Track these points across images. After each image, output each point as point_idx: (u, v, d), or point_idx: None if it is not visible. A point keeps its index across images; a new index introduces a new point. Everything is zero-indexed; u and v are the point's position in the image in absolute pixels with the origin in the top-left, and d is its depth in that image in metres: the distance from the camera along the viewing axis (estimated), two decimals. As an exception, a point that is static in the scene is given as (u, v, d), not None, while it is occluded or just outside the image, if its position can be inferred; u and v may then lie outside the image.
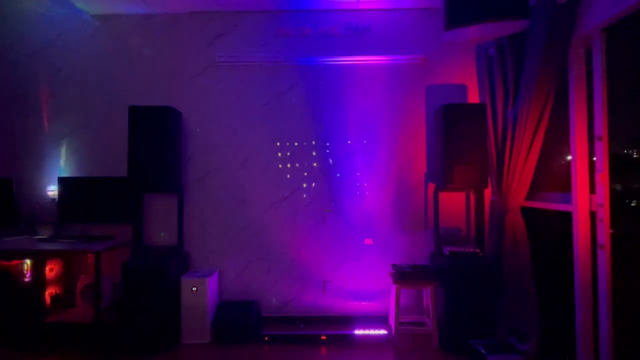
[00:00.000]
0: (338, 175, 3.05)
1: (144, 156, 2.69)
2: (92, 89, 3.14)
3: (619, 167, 1.99)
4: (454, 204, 2.99)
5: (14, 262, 2.79)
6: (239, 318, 2.74)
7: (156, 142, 2.70)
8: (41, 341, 2.66)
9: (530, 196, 2.55)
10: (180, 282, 2.71)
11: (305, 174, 3.08)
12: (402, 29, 3.07)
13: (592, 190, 2.10)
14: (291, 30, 3.11)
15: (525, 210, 2.57)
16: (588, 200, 2.13)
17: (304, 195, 3.07)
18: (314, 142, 3.07)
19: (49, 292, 2.91)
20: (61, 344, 2.63)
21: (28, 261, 2.84)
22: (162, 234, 2.98)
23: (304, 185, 3.07)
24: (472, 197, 2.87)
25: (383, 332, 2.76)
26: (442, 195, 2.92)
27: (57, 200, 2.96)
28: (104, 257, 2.63)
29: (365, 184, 3.04)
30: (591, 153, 2.13)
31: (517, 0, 2.02)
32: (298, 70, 3.09)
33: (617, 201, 1.97)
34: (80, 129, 3.14)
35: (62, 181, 2.95)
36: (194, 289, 2.69)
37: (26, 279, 2.84)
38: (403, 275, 2.64)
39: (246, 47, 3.11)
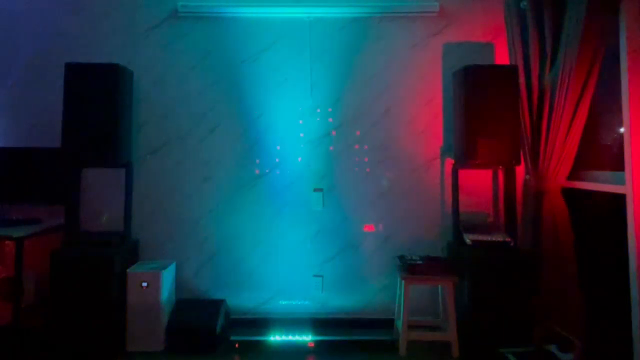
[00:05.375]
0: (331, 148, 2.70)
1: (83, 123, 2.37)
2: (20, 40, 2.71)
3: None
4: (478, 184, 2.71)
5: None
6: (201, 320, 2.42)
7: (99, 106, 2.39)
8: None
9: (573, 175, 2.36)
10: (127, 275, 2.39)
11: (291, 146, 2.71)
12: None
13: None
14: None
15: (567, 192, 2.36)
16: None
17: (287, 172, 2.71)
18: (300, 109, 2.71)
19: (-45, 288, 2.48)
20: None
21: None
22: (105, 218, 2.60)
23: (289, 159, 2.71)
24: (501, 176, 2.64)
25: (387, 338, 2.49)
26: (463, 173, 2.64)
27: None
28: (27, 246, 2.30)
29: (366, 159, 2.70)
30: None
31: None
32: (281, 23, 2.72)
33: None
34: (3, 88, 2.70)
35: (-22, 153, 2.53)
36: (144, 284, 2.38)
37: None
38: (413, 268, 2.38)
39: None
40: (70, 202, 2.47)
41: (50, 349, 2.27)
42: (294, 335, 2.47)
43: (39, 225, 2.46)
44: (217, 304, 2.53)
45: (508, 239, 2.40)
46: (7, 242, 2.47)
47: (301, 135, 2.70)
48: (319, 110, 2.70)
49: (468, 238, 2.41)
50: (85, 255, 2.28)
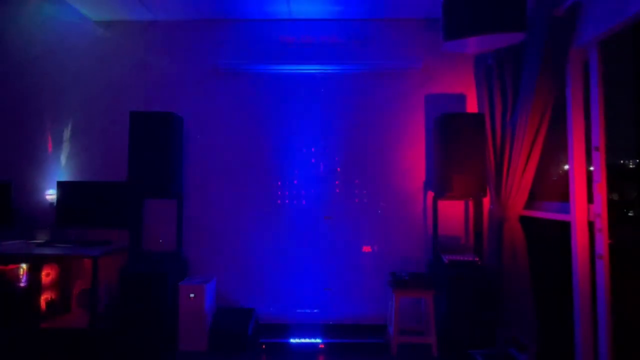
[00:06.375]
0: (337, 182, 3.05)
1: (144, 161, 2.69)
2: (94, 93, 3.13)
3: (616, 177, 2.00)
4: (453, 212, 2.99)
5: (10, 266, 2.73)
6: (236, 325, 2.71)
7: (156, 147, 2.71)
8: (36, 347, 2.60)
9: (528, 205, 2.54)
10: (179, 288, 2.68)
11: (305, 180, 3.08)
12: (402, 39, 3.09)
13: (590, 200, 2.10)
14: (293, 38, 3.12)
15: (524, 220, 2.56)
16: (586, 210, 2.13)
17: (304, 202, 3.06)
18: (313, 150, 3.08)
19: (44, 298, 2.84)
20: (55, 350, 2.58)
21: (24, 265, 2.77)
22: (161, 241, 2.96)
23: (303, 192, 3.07)
24: (471, 206, 2.87)
25: (381, 340, 2.74)
26: (441, 204, 2.93)
27: (55, 204, 2.92)
28: (101, 262, 2.59)
29: (365, 192, 3.04)
30: (589, 163, 2.13)
31: (514, 14, 2.04)
32: (299, 78, 3.10)
33: (615, 211, 1.98)
34: (81, 133, 3.12)
35: (61, 185, 2.91)
36: (192, 295, 2.66)
37: (22, 284, 2.78)
38: (401, 283, 2.64)
39: (248, 55, 3.11)
40: (134, 227, 2.77)
41: (119, 348, 2.54)
42: (308, 338, 2.75)
43: (110, 245, 2.75)
44: (249, 312, 2.86)
45: (476, 259, 2.65)
46: (85, 260, 2.80)
47: (314, 171, 3.05)
48: (328, 151, 3.06)
49: (445, 258, 2.68)
50: (147, 271, 2.59)
